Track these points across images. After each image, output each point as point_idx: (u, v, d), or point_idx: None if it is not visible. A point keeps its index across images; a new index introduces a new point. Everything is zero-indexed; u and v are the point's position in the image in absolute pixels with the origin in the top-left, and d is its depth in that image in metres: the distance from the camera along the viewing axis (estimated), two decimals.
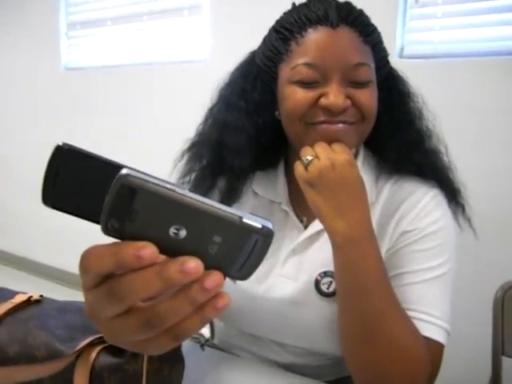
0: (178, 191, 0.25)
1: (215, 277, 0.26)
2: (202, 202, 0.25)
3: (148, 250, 0.25)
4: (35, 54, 2.60)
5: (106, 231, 0.26)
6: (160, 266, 0.25)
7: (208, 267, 0.26)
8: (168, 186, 0.25)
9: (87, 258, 0.27)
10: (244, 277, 0.28)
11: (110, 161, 0.29)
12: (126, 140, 2.31)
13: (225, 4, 1.93)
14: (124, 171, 0.25)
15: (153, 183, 0.25)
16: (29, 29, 2.59)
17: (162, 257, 0.26)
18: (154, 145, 2.19)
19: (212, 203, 0.26)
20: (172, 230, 0.26)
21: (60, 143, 0.28)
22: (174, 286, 0.26)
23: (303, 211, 0.72)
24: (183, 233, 0.26)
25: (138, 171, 0.25)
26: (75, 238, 2.48)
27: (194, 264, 0.25)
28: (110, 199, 0.25)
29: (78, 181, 0.29)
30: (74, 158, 0.28)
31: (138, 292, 0.26)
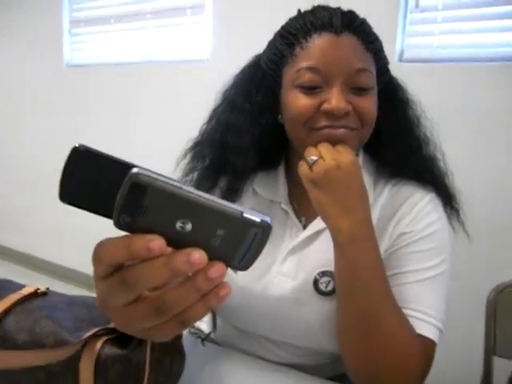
0: (184, 188, 0.27)
1: (218, 267, 0.28)
2: (207, 198, 0.28)
3: (157, 243, 0.27)
4: (38, 51, 2.61)
5: (118, 225, 0.28)
6: (168, 257, 0.27)
7: (211, 258, 0.28)
8: (175, 183, 0.27)
9: (100, 249, 0.29)
10: (244, 268, 0.31)
11: (122, 160, 0.31)
12: (127, 137, 2.33)
13: (227, 4, 1.95)
14: (135, 170, 0.27)
15: (161, 181, 0.27)
16: (32, 26, 2.60)
17: (170, 249, 0.28)
18: (155, 142, 2.20)
19: (215, 199, 0.28)
20: (178, 224, 0.28)
21: (76, 144, 0.30)
22: (181, 276, 0.28)
23: (302, 211, 0.73)
24: (189, 226, 0.28)
25: (148, 170, 0.27)
26: (76, 234, 2.50)
27: (198, 255, 0.27)
28: (121, 196, 0.27)
29: (92, 179, 0.30)
30: (89, 158, 0.30)
31: (148, 281, 0.28)
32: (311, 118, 0.63)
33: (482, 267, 1.45)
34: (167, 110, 2.17)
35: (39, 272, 2.72)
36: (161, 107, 2.20)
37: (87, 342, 0.51)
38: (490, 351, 0.90)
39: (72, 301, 0.60)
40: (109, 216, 0.29)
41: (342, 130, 0.62)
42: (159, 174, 0.27)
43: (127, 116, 2.33)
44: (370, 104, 0.63)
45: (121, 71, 2.32)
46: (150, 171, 0.27)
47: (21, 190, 2.86)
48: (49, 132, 2.64)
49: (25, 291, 0.58)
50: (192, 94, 2.01)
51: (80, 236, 2.48)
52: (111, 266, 0.29)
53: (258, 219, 0.28)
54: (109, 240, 0.29)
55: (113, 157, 0.31)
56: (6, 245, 2.98)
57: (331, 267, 0.66)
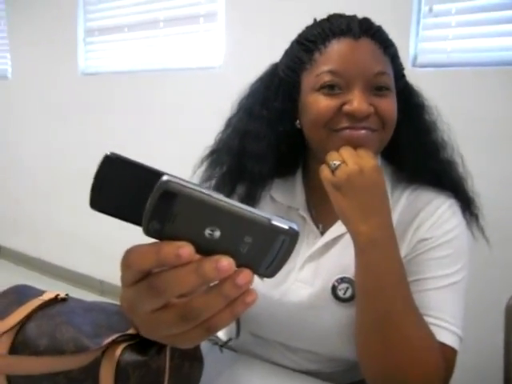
0: (213, 196, 0.27)
1: (246, 274, 0.28)
2: (236, 206, 0.28)
3: (186, 249, 0.27)
4: (53, 60, 2.65)
5: (148, 232, 0.28)
6: (196, 264, 0.28)
7: (239, 265, 0.28)
8: (204, 191, 0.27)
9: (130, 256, 0.29)
10: (271, 275, 0.31)
11: (152, 168, 0.31)
12: (140, 145, 2.35)
13: (239, 11, 1.96)
14: (165, 178, 0.27)
15: (191, 189, 0.27)
16: (47, 34, 2.65)
17: (198, 256, 0.28)
18: (168, 149, 2.22)
19: (244, 207, 0.28)
20: (207, 231, 0.28)
21: (108, 153, 0.30)
22: (209, 283, 0.28)
23: (320, 218, 0.73)
24: (217, 234, 0.28)
25: (178, 178, 0.27)
26: (87, 239, 2.53)
27: (226, 262, 0.27)
28: (151, 203, 0.27)
29: (122, 187, 0.30)
30: (120, 166, 0.30)
31: (176, 287, 0.28)
32: (332, 119, 0.63)
33: (502, 272, 1.42)
34: (180, 117, 2.19)
35: (52, 278, 2.74)
36: (174, 114, 2.22)
37: (107, 349, 0.51)
38: (510, 358, 0.89)
39: (90, 307, 0.60)
40: (138, 223, 0.29)
41: (363, 132, 0.62)
42: (189, 182, 0.28)
43: (141, 123, 2.36)
44: (390, 105, 0.64)
45: (134, 79, 2.35)
46: (180, 179, 0.27)
47: (35, 195, 2.89)
48: (63, 139, 2.68)
49: (45, 297, 0.58)
50: (205, 100, 2.03)
51: (93, 242, 2.50)
52: (140, 273, 0.29)
53: (286, 226, 0.28)
54: (138, 246, 0.29)
55: (143, 164, 0.31)
56: (19, 250, 3.01)
57: (349, 273, 0.65)
